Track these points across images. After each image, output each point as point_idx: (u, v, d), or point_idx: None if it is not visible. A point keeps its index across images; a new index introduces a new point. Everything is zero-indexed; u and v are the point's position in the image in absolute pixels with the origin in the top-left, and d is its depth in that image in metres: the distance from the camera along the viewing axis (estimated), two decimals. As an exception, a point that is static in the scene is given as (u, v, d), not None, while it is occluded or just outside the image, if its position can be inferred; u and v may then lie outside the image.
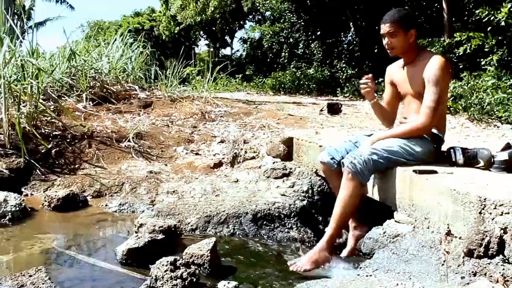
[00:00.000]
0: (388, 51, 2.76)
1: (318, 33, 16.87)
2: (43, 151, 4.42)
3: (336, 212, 2.60)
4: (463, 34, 7.66)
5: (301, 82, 14.59)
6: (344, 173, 2.59)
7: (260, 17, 25.59)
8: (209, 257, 2.41)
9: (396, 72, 2.93)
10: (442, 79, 2.58)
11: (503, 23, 6.95)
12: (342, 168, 2.65)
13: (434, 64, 2.60)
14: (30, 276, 2.00)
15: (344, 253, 2.83)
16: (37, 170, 4.19)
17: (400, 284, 1.77)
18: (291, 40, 18.82)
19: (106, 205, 3.68)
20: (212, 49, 26.85)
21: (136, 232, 2.85)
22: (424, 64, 2.64)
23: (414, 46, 2.74)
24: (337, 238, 2.72)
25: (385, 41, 2.74)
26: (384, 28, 2.70)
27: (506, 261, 1.74)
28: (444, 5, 10.02)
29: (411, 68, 2.77)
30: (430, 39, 9.54)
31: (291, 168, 3.91)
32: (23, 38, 6.50)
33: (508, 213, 1.83)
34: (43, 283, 1.95)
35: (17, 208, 3.30)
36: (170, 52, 26.10)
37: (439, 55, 2.69)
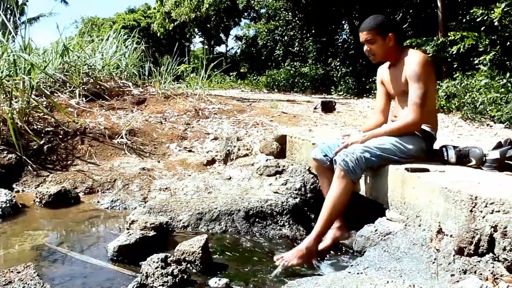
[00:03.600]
0: (370, 58, 2.79)
1: (313, 31, 16.89)
2: (35, 147, 4.40)
3: (325, 209, 2.58)
4: (457, 33, 7.69)
5: (296, 80, 14.62)
6: (336, 170, 2.58)
7: (255, 15, 25.58)
8: (200, 254, 2.40)
9: (384, 72, 2.95)
10: (423, 74, 2.59)
11: (496, 23, 6.98)
12: (334, 166, 2.65)
13: (412, 60, 2.63)
14: (18, 272, 1.99)
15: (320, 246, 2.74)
16: (29, 166, 4.17)
17: (390, 282, 1.77)
18: (286, 38, 18.82)
19: (98, 202, 3.67)
20: (206, 47, 26.80)
21: (127, 229, 2.84)
22: (405, 62, 2.68)
23: (396, 49, 2.75)
24: (324, 235, 2.70)
25: (365, 48, 2.77)
26: (362, 36, 2.74)
27: (496, 259, 1.75)
28: (439, 4, 10.05)
29: (395, 68, 2.80)
30: (424, 38, 9.56)
31: (284, 166, 3.90)
32: (16, 34, 6.45)
33: (499, 211, 1.83)
34: (31, 280, 1.93)
35: (8, 204, 3.28)
36: (165, 49, 26.07)
37: (418, 51, 2.73)
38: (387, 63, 2.91)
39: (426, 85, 2.61)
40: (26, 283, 1.94)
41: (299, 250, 2.53)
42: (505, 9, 6.82)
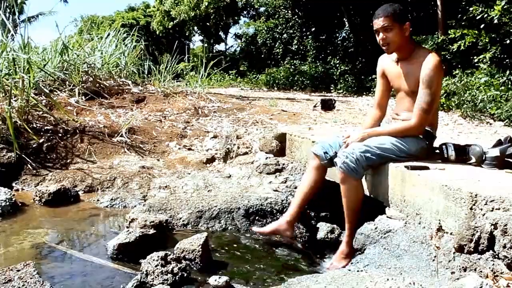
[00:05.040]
0: (384, 47, 2.68)
1: (313, 29, 16.86)
2: (34, 145, 4.39)
3: (347, 214, 2.67)
4: (457, 31, 7.68)
5: (295, 78, 14.60)
6: (338, 174, 2.61)
7: (254, 13, 25.52)
8: (200, 252, 2.40)
9: (389, 64, 2.85)
10: (436, 80, 2.55)
11: (496, 21, 6.97)
12: (335, 161, 2.66)
13: (429, 64, 2.54)
14: (18, 270, 1.98)
15: (260, 229, 2.98)
16: (29, 165, 4.16)
17: (391, 279, 1.76)
18: (285, 36, 18.79)
19: (98, 200, 3.66)
20: (206, 45, 26.75)
21: (127, 227, 2.84)
22: (420, 62, 2.58)
23: (410, 41, 2.67)
24: (355, 233, 2.71)
25: (380, 36, 2.65)
26: (378, 22, 2.62)
27: (496, 256, 1.75)
28: (438, 2, 10.04)
29: (406, 64, 2.71)
30: (424, 36, 9.56)
31: (283, 164, 3.90)
32: (15, 32, 6.44)
33: (499, 209, 1.83)
34: (31, 278, 1.93)
35: (7, 203, 3.28)
36: (164, 47, 26.01)
37: (434, 54, 2.61)
38: (392, 56, 2.80)
39: (436, 91, 2.59)
40: (25, 281, 1.94)
41: (341, 252, 2.66)
42: (505, 7, 6.81)
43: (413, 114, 2.62)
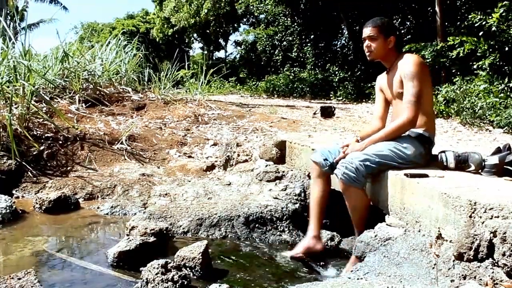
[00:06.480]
0: (367, 54, 2.86)
1: (312, 36, 16.93)
2: (35, 153, 4.40)
3: (355, 221, 2.72)
4: (456, 38, 7.72)
5: (295, 85, 14.64)
6: (340, 184, 2.64)
7: (254, 20, 25.63)
8: (200, 260, 2.40)
9: (382, 79, 3.02)
10: (417, 73, 2.65)
11: (494, 28, 7.01)
12: (335, 173, 2.67)
13: (407, 61, 2.70)
14: (19, 279, 1.99)
15: (291, 252, 2.87)
16: (29, 172, 4.16)
17: (390, 287, 1.77)
18: (285, 43, 18.87)
19: (98, 208, 3.67)
20: (206, 52, 26.83)
21: (127, 235, 2.84)
22: (400, 65, 2.75)
23: (394, 52, 2.84)
24: None
25: (365, 44, 2.84)
26: (366, 31, 2.82)
27: (496, 264, 1.75)
28: (437, 9, 10.08)
29: (391, 72, 2.88)
30: (423, 43, 9.59)
31: (283, 171, 3.91)
32: (16, 39, 6.46)
33: (498, 216, 1.84)
34: (32, 286, 1.93)
35: (8, 210, 3.28)
36: (164, 54, 26.11)
37: (412, 54, 2.81)
38: (385, 73, 2.97)
39: (421, 84, 2.66)
40: (26, 289, 1.94)
41: (350, 265, 2.59)
42: (503, 14, 6.85)
43: (403, 110, 2.68)
